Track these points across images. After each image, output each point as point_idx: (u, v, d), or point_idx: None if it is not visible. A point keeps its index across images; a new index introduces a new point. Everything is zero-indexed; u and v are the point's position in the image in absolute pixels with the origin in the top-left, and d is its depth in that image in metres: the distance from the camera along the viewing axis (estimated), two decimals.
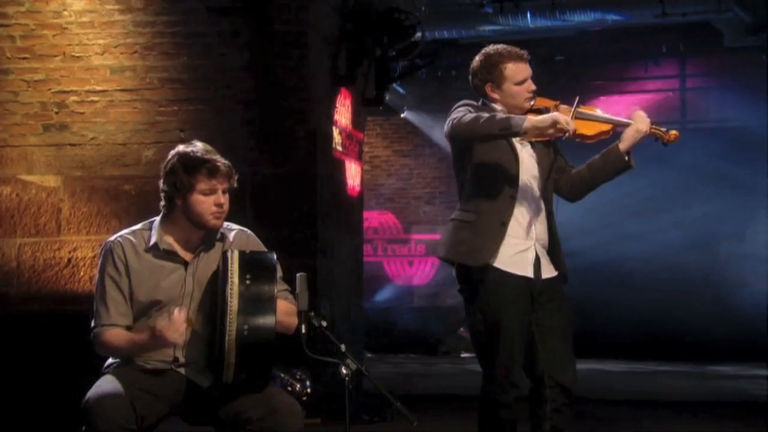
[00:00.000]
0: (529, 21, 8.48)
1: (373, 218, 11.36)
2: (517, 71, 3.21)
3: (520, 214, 3.20)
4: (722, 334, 9.27)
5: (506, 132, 3.01)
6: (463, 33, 9.05)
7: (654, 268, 9.79)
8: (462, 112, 3.09)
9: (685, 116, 10.61)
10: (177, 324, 2.64)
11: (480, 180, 3.19)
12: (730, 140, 9.73)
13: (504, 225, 3.15)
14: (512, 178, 3.18)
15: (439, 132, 10.83)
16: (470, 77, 3.30)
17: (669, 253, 9.79)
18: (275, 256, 2.78)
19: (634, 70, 10.63)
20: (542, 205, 3.27)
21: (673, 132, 3.19)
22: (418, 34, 6.86)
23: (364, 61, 6.54)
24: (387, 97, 7.51)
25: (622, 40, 9.81)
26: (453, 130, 3.07)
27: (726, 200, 9.80)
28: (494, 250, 3.14)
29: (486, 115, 3.02)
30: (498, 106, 3.25)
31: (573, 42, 9.54)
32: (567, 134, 3.01)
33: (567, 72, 9.79)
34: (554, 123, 2.97)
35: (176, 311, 2.67)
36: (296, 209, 5.85)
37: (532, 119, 2.99)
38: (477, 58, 3.27)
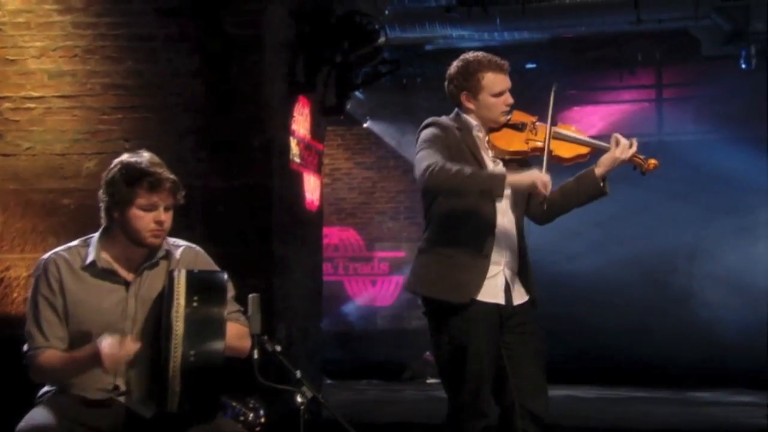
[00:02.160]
0: (498, 26, 8.54)
1: (333, 235, 11.33)
2: (496, 82, 3.24)
3: (495, 239, 3.22)
4: (698, 358, 9.36)
5: (486, 193, 3.06)
6: (430, 39, 9.09)
7: (628, 288, 9.86)
8: (432, 156, 3.06)
9: (661, 128, 10.76)
10: (121, 355, 2.59)
11: (454, 207, 3.20)
12: (706, 150, 9.88)
13: (487, 257, 3.17)
14: (488, 204, 3.19)
15: (404, 143, 10.87)
16: (446, 83, 3.32)
17: (642, 273, 9.87)
18: (226, 276, 2.76)
19: (609, 79, 10.75)
20: (514, 228, 3.29)
21: (653, 161, 3.23)
22: (381, 39, 6.89)
23: (324, 68, 6.54)
24: (348, 106, 7.51)
25: (596, 47, 9.94)
26: (428, 183, 3.06)
27: (703, 217, 9.92)
28: (479, 285, 3.16)
29: (467, 170, 3.02)
30: (472, 119, 3.28)
31: (544, 49, 9.63)
32: (540, 199, 3.06)
33: (538, 81, 9.86)
34: (532, 184, 3.03)
35: (130, 342, 2.62)
36: (250, 225, 5.81)
37: (512, 180, 3.03)
38: (455, 63, 3.29)
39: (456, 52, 3.41)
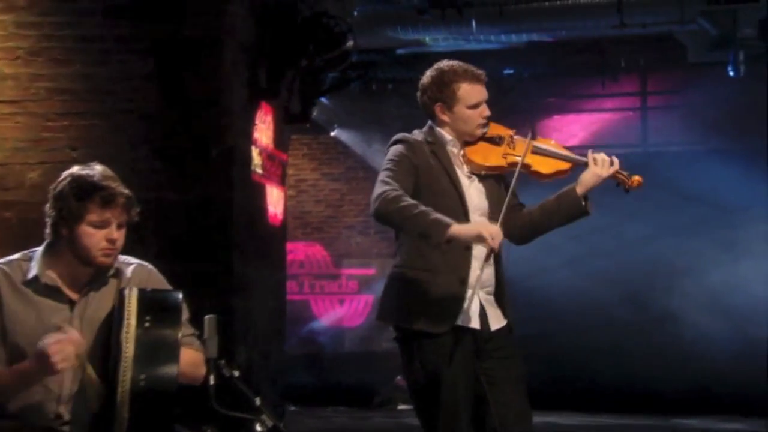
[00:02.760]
0: (474, 30, 8.59)
1: (298, 250, 11.30)
2: (472, 93, 3.25)
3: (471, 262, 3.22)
4: (685, 382, 9.41)
5: (425, 237, 3.06)
6: (401, 42, 9.13)
7: (608, 307, 9.90)
8: (388, 183, 3.07)
9: (646, 138, 10.85)
10: (66, 344, 2.55)
11: None
12: (694, 162, 9.98)
13: (464, 283, 3.17)
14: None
15: (374, 152, 10.88)
16: (419, 93, 3.33)
17: (624, 290, 9.92)
18: (181, 295, 2.74)
19: (591, 87, 10.84)
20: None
21: (636, 178, 3.26)
22: (350, 43, 6.89)
23: (288, 73, 6.56)
24: (314, 113, 7.53)
25: (577, 53, 10.03)
26: (376, 212, 3.07)
27: (689, 233, 10.00)
28: (457, 313, 3.15)
29: (414, 210, 3.00)
30: (446, 132, 3.29)
31: (523, 54, 9.70)
32: (490, 250, 3.05)
33: (516, 87, 9.95)
34: (478, 237, 3.02)
35: (76, 333, 2.59)
36: (208, 241, 5.81)
37: (456, 231, 2.99)
38: (428, 73, 3.30)
39: (429, 57, 3.44)
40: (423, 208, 3.02)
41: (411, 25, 8.72)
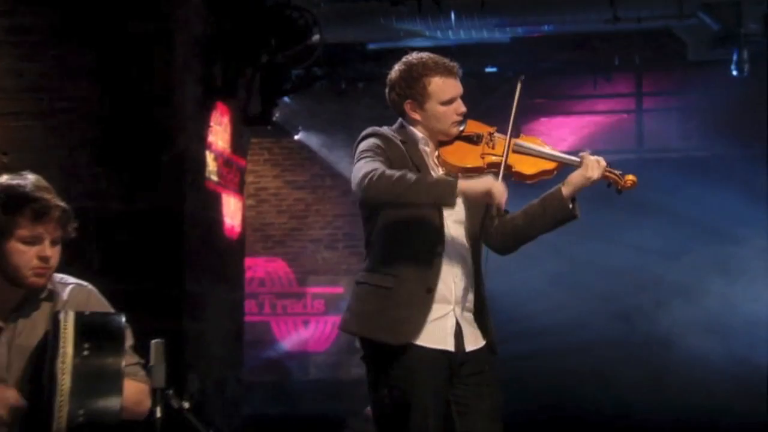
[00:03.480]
0: (454, 23, 8.61)
1: (257, 266, 11.27)
2: (445, 88, 3.26)
3: (441, 271, 3.22)
4: (678, 412, 9.46)
5: (437, 203, 3.10)
6: (373, 36, 9.14)
7: (593, 326, 9.92)
8: (371, 164, 3.09)
9: (641, 143, 10.94)
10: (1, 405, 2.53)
11: (396, 232, 3.20)
12: (694, 173, 10.05)
13: (431, 292, 3.18)
14: (436, 229, 3.20)
15: (342, 158, 10.88)
16: (387, 90, 3.34)
17: (610, 308, 9.96)
18: (124, 319, 2.71)
19: (581, 87, 10.91)
20: (469, 259, 3.29)
21: (630, 177, 3.27)
22: (316, 37, 6.89)
23: (247, 69, 6.55)
24: (276, 114, 7.51)
25: (566, 49, 10.08)
26: (367, 193, 3.06)
27: (684, 247, 10.06)
28: (420, 325, 3.15)
29: (411, 177, 3.04)
30: (418, 131, 3.30)
31: (507, 50, 9.73)
32: (494, 211, 3.11)
33: (499, 87, 9.97)
34: (487, 193, 3.05)
35: (10, 391, 2.58)
36: (156, 256, 5.78)
37: (464, 187, 3.06)
38: (396, 67, 3.31)
39: (404, 53, 3.42)
40: (417, 174, 3.07)
41: (384, 18, 8.72)
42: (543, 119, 11.07)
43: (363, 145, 3.22)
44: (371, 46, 9.33)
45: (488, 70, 10.24)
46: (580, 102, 11.14)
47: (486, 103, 9.07)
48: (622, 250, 10.04)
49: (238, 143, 6.85)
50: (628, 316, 10.04)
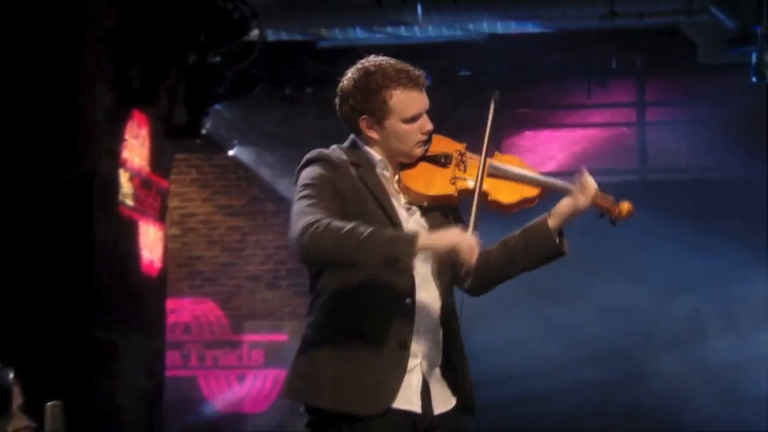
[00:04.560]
0: (420, 18, 8.67)
1: (183, 309, 11.18)
2: (409, 102, 3.24)
3: (414, 321, 3.20)
4: None
5: (391, 264, 3.05)
6: (324, 33, 9.17)
7: (584, 377, 9.98)
8: (313, 211, 3.06)
9: (644, 162, 11.01)
10: None
11: (354, 277, 3.17)
12: (707, 197, 10.13)
13: (405, 349, 3.17)
14: (401, 270, 3.16)
15: (288, 178, 10.88)
16: (338, 101, 3.30)
17: (602, 356, 10.01)
18: (12, 375, 2.72)
19: (572, 94, 10.96)
20: (438, 303, 3.28)
21: (626, 205, 3.26)
22: (255, 32, 6.90)
23: (171, 72, 6.55)
24: (207, 126, 7.50)
25: (554, 50, 10.14)
26: (307, 251, 3.04)
27: (691, 285, 10.13)
28: (396, 388, 3.15)
29: (363, 231, 2.99)
30: (375, 152, 3.29)
31: (484, 51, 9.80)
32: (463, 272, 3.09)
33: (474, 94, 10.03)
34: (452, 248, 3.04)
35: None
36: (58, 296, 5.74)
37: (426, 243, 3.04)
38: (350, 74, 3.27)
39: (360, 54, 3.42)
40: (369, 227, 3.02)
41: (337, 12, 8.76)
42: (527, 133, 11.11)
43: (305, 176, 3.18)
44: (322, 44, 9.37)
45: (461, 74, 10.30)
46: (571, 113, 11.19)
47: (459, 113, 9.13)
48: (616, 290, 10.11)
49: (159, 160, 6.86)
50: (623, 367, 10.10)
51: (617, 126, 11.16)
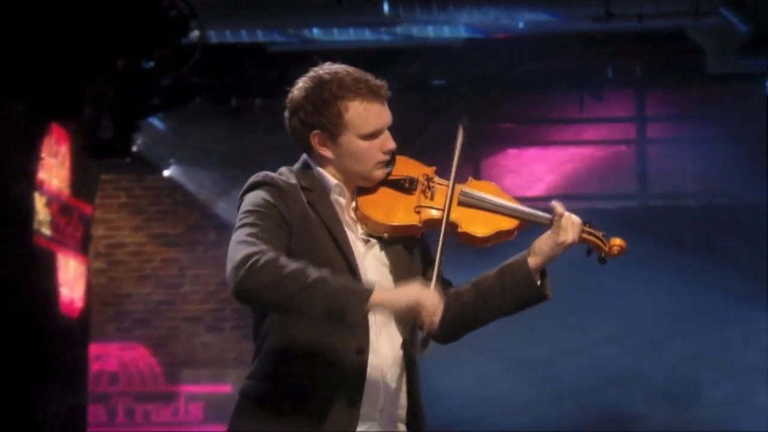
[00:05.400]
0: (386, 17, 8.65)
1: (109, 356, 11.10)
2: (367, 116, 3.25)
3: (368, 374, 3.21)
4: None
5: (335, 319, 3.05)
6: (276, 35, 9.16)
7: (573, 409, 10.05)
8: (253, 243, 3.06)
9: (645, 186, 11.05)
10: None
11: (300, 321, 3.17)
12: (715, 223, 10.16)
13: (355, 407, 3.17)
14: (348, 325, 3.15)
15: (232, 203, 10.83)
16: (287, 114, 3.31)
17: (592, 410, 10.06)
18: None
19: (563, 107, 11.00)
20: (399, 353, 3.27)
21: (617, 242, 3.30)
22: (195, 33, 6.88)
23: (96, 79, 6.53)
24: (138, 142, 7.46)
25: (542, 57, 10.17)
26: (242, 287, 3.04)
27: (695, 328, 10.17)
28: None
29: (308, 273, 3.01)
30: (329, 174, 3.30)
31: (461, 57, 9.81)
32: (423, 335, 3.10)
33: (449, 106, 10.03)
34: (411, 307, 3.05)
35: None
36: None
37: (380, 299, 3.04)
38: (301, 83, 3.29)
39: (315, 60, 3.42)
40: (318, 271, 3.03)
41: (292, 10, 8.75)
42: (510, 151, 11.13)
43: (248, 202, 3.19)
44: (272, 48, 9.36)
45: (435, 83, 10.31)
46: (561, 128, 11.24)
47: (431, 129, 9.13)
48: (604, 329, 10.16)
49: (81, 182, 6.85)
50: (621, 421, 10.16)
51: (614, 144, 11.24)
